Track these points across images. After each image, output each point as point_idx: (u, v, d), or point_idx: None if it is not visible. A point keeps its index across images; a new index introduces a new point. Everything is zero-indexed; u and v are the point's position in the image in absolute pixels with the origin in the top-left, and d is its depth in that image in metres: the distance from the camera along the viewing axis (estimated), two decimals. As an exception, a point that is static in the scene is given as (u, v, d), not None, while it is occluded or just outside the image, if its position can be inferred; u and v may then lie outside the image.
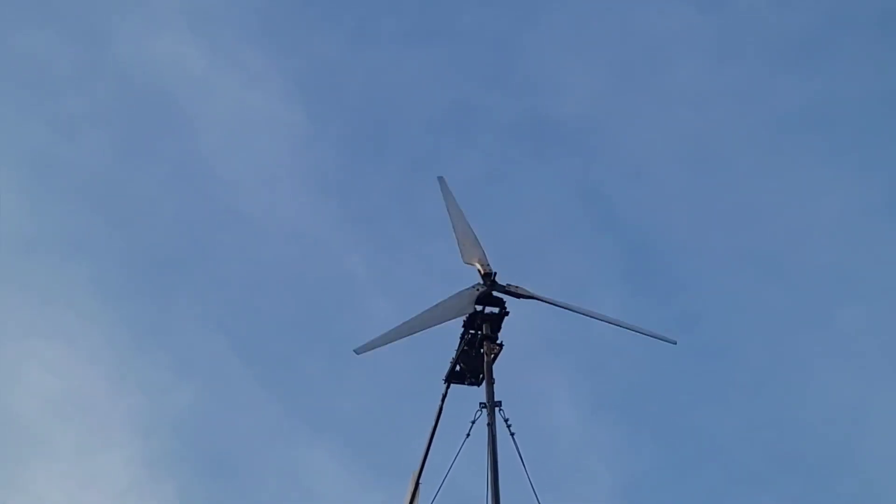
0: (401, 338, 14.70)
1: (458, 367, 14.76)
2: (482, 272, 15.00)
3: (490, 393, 14.13)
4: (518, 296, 14.90)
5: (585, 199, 35.07)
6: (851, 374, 30.88)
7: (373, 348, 14.50)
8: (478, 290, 14.89)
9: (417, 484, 14.81)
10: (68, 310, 32.51)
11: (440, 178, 16.68)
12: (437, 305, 14.97)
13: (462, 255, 15.43)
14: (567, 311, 15.20)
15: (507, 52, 36.06)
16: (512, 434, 13.73)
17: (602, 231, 34.43)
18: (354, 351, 14.43)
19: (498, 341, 14.62)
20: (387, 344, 14.63)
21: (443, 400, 14.78)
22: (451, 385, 14.90)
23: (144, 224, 34.15)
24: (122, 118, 34.75)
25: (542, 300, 15.02)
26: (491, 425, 13.73)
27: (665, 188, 34.59)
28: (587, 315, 15.25)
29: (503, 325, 14.73)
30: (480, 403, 14.00)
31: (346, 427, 29.69)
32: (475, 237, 15.67)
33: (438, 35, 36.93)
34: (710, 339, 32.18)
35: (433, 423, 14.68)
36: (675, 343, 15.52)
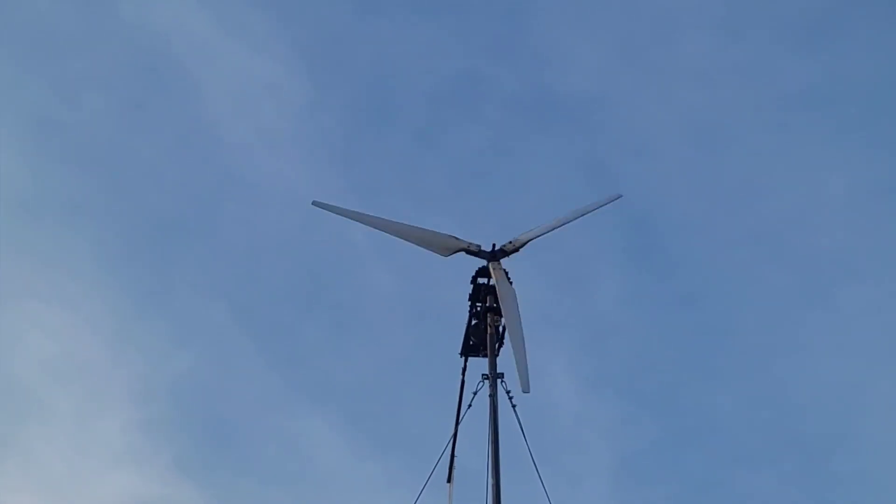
0: (362, 223, 15.10)
1: (472, 341, 14.71)
2: (501, 247, 14.91)
3: (493, 364, 14.13)
4: (517, 250, 14.89)
5: (589, 173, 34.90)
6: (851, 355, 30.89)
7: (332, 211, 15.04)
8: (468, 246, 14.83)
9: (452, 457, 14.80)
10: (68, 274, 32.47)
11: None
12: (421, 228, 14.98)
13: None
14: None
15: (513, 25, 35.78)
16: (514, 406, 13.77)
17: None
18: (312, 202, 14.95)
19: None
20: (346, 218, 15.09)
21: (463, 373, 14.70)
22: (468, 358, 14.82)
23: (146, 189, 34.00)
24: (125, 82, 34.48)
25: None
26: (493, 396, 13.73)
27: (668, 165, 34.44)
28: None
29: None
30: (483, 375, 14.00)
31: (345, 397, 29.76)
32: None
33: (445, 5, 36.61)
34: (710, 317, 32.20)
35: (458, 397, 14.56)
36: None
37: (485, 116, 35.08)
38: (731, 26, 34.69)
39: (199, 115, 34.07)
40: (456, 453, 14.09)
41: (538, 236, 15.15)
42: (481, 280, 14.75)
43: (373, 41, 35.58)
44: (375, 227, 15.09)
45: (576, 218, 15.73)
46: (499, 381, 13.94)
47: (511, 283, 14.63)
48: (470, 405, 13.87)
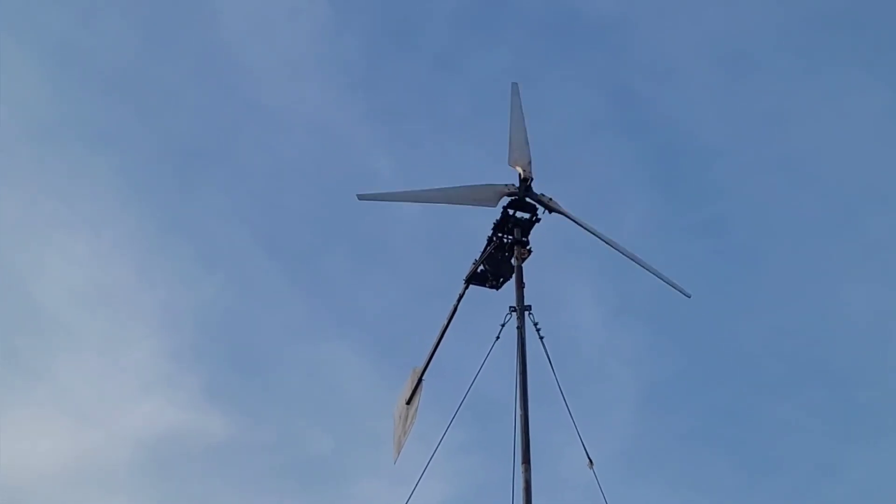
0: (410, 201, 15.07)
1: (480, 269, 14.67)
2: (522, 176, 14.75)
3: (520, 297, 14.08)
4: (549, 209, 14.65)
5: (615, 99, 34.58)
6: (878, 283, 30.72)
7: (377, 200, 14.63)
8: (508, 189, 14.67)
9: (420, 380, 14.94)
10: (92, 201, 32.65)
11: (514, 84, 16.14)
12: (460, 187, 14.85)
13: (509, 157, 15.04)
14: (589, 232, 14.85)
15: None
16: (541, 338, 13.82)
17: (632, 132, 34.00)
18: (357, 196, 14.30)
19: (527, 246, 14.48)
20: (392, 201, 14.91)
21: (459, 300, 14.81)
22: (471, 287, 14.87)
23: (168, 115, 33.99)
24: (145, 6, 34.23)
25: (570, 218, 14.76)
26: (521, 329, 13.74)
27: (696, 89, 34.04)
28: (609, 244, 14.87)
29: (532, 230, 14.59)
30: (510, 307, 13.98)
31: (370, 324, 29.95)
32: (527, 143, 15.25)
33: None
34: (738, 245, 32.06)
35: (445, 322, 14.79)
36: (690, 296, 14.92)
37: (507, 40, 34.64)
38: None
39: (218, 39, 33.90)
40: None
41: (570, 219, 14.82)
42: (512, 211, 14.61)
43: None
44: (421, 202, 15.19)
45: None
46: (526, 313, 13.92)
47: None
48: (498, 337, 13.90)
